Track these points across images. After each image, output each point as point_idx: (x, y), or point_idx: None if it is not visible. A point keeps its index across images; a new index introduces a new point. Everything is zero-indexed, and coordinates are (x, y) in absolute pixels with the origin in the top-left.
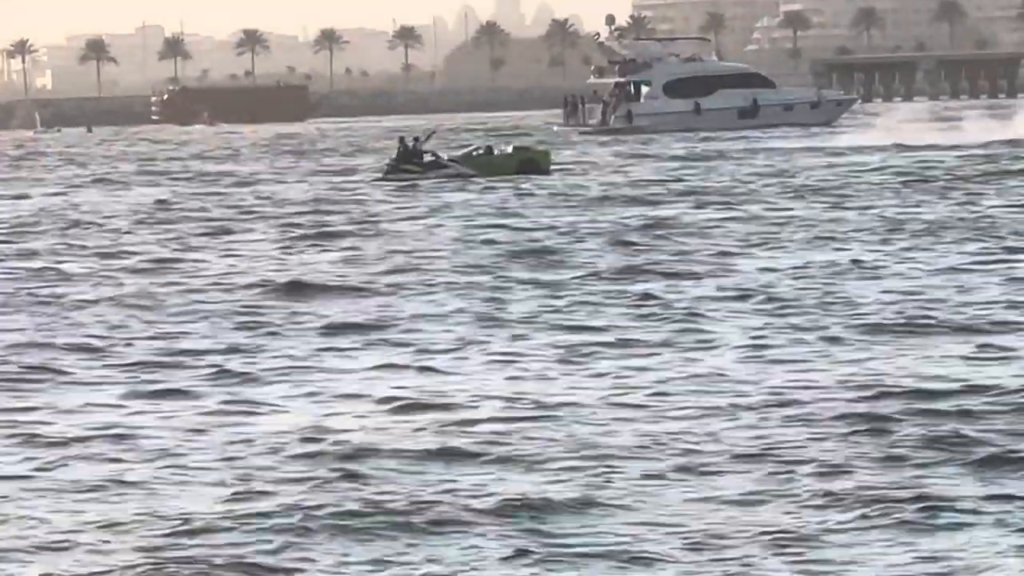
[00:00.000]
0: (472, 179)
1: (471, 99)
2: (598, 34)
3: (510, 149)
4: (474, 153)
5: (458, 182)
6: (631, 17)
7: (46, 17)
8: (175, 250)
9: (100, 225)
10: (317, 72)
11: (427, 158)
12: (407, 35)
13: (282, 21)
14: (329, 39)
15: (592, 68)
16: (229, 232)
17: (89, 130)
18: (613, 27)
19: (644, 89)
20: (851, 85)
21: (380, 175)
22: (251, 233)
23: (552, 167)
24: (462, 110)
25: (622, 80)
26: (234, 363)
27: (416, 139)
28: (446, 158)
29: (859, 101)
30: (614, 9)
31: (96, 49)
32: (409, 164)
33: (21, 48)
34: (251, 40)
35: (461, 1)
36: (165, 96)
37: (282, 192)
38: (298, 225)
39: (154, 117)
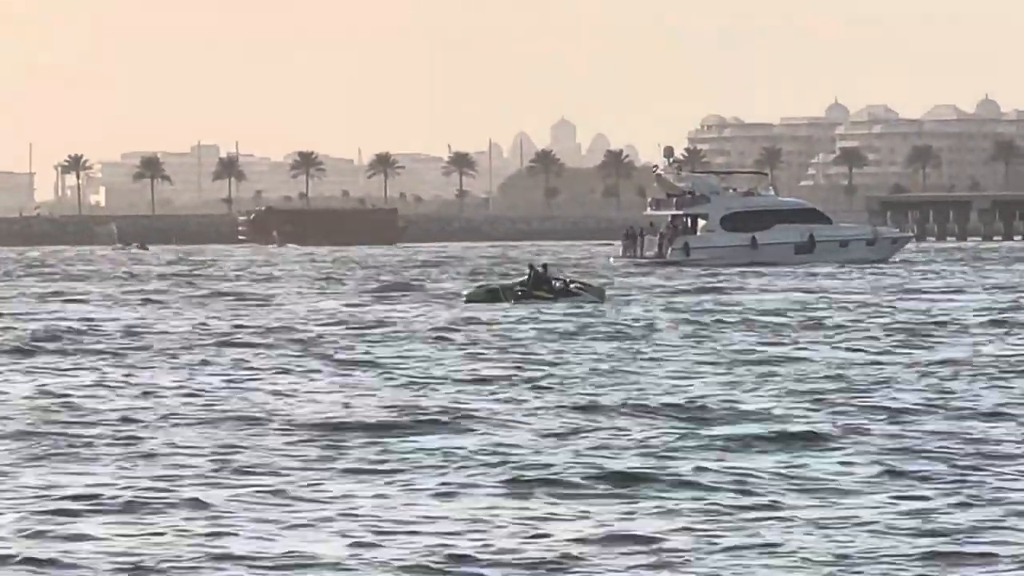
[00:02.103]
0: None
1: (525, 227)
2: (656, 165)
3: (564, 279)
4: (524, 281)
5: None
6: (687, 149)
7: (102, 134)
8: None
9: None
10: (371, 196)
11: (556, 284)
12: (462, 161)
13: (337, 144)
14: (384, 163)
15: (649, 200)
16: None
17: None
18: (671, 159)
19: (701, 222)
20: (905, 223)
21: (512, 300)
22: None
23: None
24: (515, 238)
25: (679, 213)
26: None
27: (544, 266)
28: (573, 284)
29: (913, 239)
30: (669, 141)
31: (151, 167)
32: (540, 290)
33: (76, 164)
34: (306, 162)
35: (517, 128)
36: (252, 216)
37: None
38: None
39: (240, 237)
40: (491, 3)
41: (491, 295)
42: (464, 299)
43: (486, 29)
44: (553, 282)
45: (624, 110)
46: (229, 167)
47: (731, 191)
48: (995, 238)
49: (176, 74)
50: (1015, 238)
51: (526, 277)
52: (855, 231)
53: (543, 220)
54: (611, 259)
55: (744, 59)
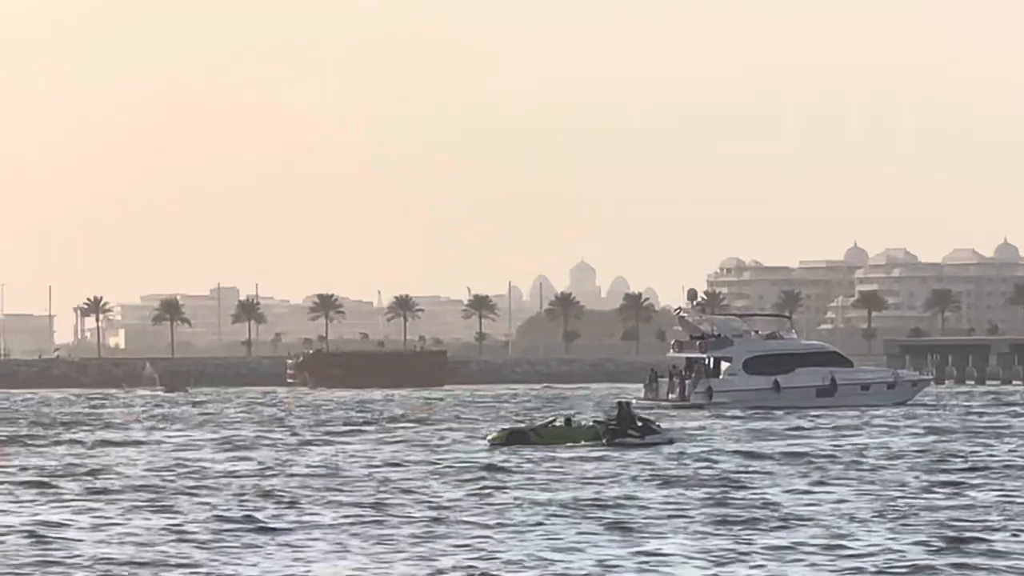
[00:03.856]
0: (673, 443)
1: (544, 370)
2: (679, 308)
3: (590, 421)
4: (552, 424)
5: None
6: (706, 293)
7: (120, 276)
8: None
9: None
10: (390, 339)
11: (639, 423)
12: (481, 304)
13: (356, 287)
14: (404, 306)
15: (672, 342)
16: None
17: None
18: (695, 302)
19: (723, 365)
20: (924, 365)
21: (605, 439)
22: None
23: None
24: (534, 380)
25: (702, 355)
26: None
27: (628, 403)
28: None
29: (932, 382)
30: (689, 283)
31: (170, 309)
32: (632, 429)
33: (95, 306)
34: (326, 305)
35: (536, 272)
36: (300, 358)
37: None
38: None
39: (289, 380)
40: (509, 149)
41: (515, 437)
42: (488, 443)
43: (505, 172)
44: (637, 420)
45: (643, 253)
46: (249, 310)
47: (754, 334)
48: (1014, 382)
49: (195, 217)
50: None
51: (615, 415)
52: (876, 374)
53: (562, 363)
54: (634, 402)
55: (763, 202)
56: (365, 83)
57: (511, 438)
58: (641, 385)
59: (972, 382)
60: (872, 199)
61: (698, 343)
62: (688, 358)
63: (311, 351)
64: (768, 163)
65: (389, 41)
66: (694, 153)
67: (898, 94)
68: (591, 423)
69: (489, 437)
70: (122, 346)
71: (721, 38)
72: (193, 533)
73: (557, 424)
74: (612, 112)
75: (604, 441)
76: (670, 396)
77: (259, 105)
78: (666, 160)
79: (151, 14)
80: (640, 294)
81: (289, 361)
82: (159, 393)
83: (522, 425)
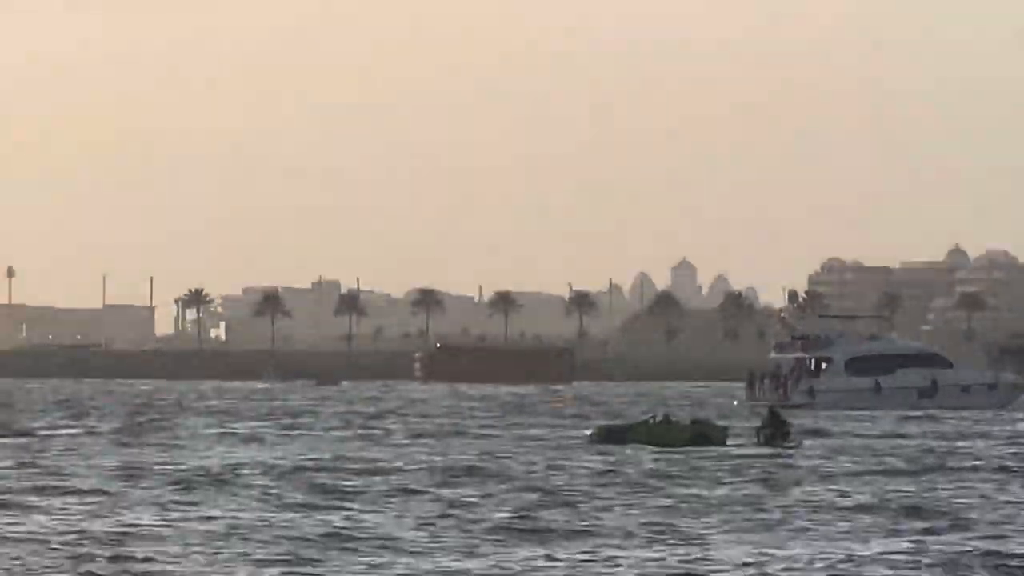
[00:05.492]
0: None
1: (645, 368)
2: (781, 309)
3: (688, 421)
4: (651, 421)
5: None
6: (807, 292)
7: (223, 268)
8: None
9: None
10: (491, 334)
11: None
12: (582, 301)
13: (457, 281)
14: (504, 302)
15: (774, 343)
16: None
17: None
18: (796, 303)
19: (824, 365)
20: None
21: (756, 441)
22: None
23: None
24: (635, 378)
25: (803, 356)
26: None
27: (776, 408)
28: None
29: None
30: (790, 283)
31: (272, 302)
32: (780, 430)
33: (197, 298)
34: (427, 299)
35: (638, 269)
36: (428, 353)
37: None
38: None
39: (417, 374)
40: (612, 146)
41: (612, 435)
42: (588, 440)
43: (609, 170)
44: (788, 425)
45: (744, 252)
46: (350, 303)
47: (856, 335)
48: None
49: (298, 209)
50: None
51: (767, 419)
52: (977, 376)
53: (663, 361)
54: (735, 402)
55: (864, 202)
56: (469, 83)
57: (610, 435)
58: (742, 384)
59: None
60: (975, 199)
61: (800, 343)
62: (796, 358)
63: (438, 345)
64: (871, 163)
65: (489, 41)
66: (797, 152)
67: (1005, 90)
68: (689, 422)
69: (588, 434)
70: (223, 338)
71: (835, 36)
72: None
73: (656, 421)
74: (717, 110)
75: (758, 442)
76: (772, 396)
77: (360, 105)
78: (769, 159)
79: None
80: (740, 293)
81: (417, 355)
82: (313, 386)
83: (620, 423)
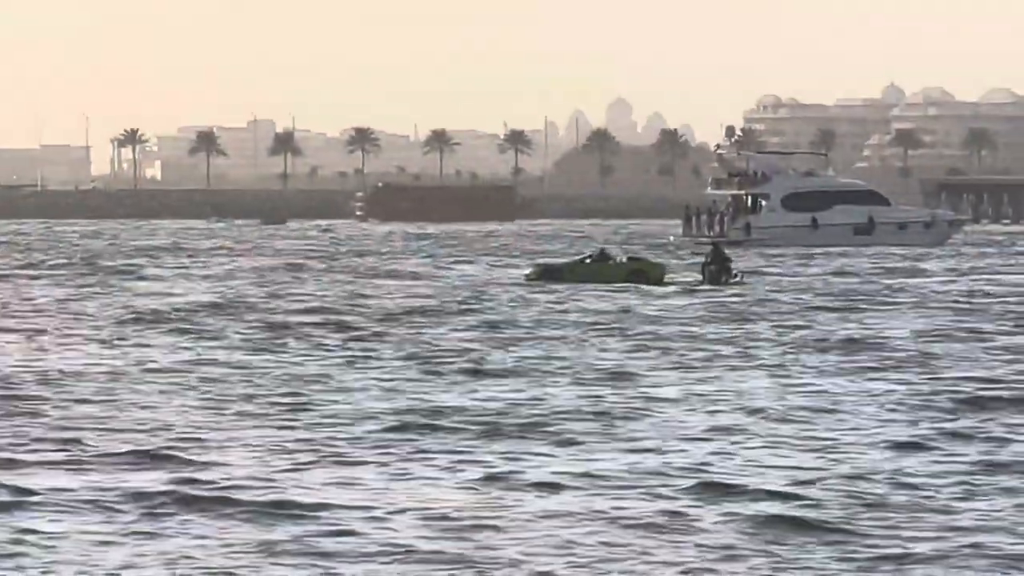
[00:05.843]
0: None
1: (580, 205)
2: (719, 145)
3: (624, 258)
4: (586, 260)
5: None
6: (742, 129)
7: (158, 108)
8: None
9: None
10: (426, 172)
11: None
12: (517, 139)
13: (393, 120)
14: (440, 140)
15: (710, 180)
16: None
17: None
18: (733, 139)
19: (762, 202)
20: (960, 205)
21: (701, 279)
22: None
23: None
24: (569, 216)
25: (739, 192)
26: None
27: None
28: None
29: (969, 222)
30: (725, 121)
31: (207, 141)
32: (728, 269)
33: (132, 138)
34: (362, 138)
35: (572, 107)
36: (369, 193)
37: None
38: None
39: (358, 213)
40: None
41: (548, 274)
42: (525, 278)
43: (543, 5)
44: (729, 261)
45: (680, 89)
46: (285, 142)
47: (792, 171)
48: None
49: (232, 48)
50: None
51: (711, 254)
52: (914, 214)
53: (597, 199)
54: (671, 238)
55: (800, 39)
56: None
57: (545, 274)
58: (678, 221)
59: (1007, 221)
60: (910, 37)
61: (736, 180)
62: (733, 195)
63: (380, 184)
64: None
65: None
66: None
67: None
68: (625, 259)
69: (525, 273)
70: (158, 178)
71: None
72: None
73: (593, 259)
74: None
75: (703, 280)
76: (708, 233)
77: None
78: None
79: None
80: (676, 131)
81: (358, 194)
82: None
83: (558, 261)
